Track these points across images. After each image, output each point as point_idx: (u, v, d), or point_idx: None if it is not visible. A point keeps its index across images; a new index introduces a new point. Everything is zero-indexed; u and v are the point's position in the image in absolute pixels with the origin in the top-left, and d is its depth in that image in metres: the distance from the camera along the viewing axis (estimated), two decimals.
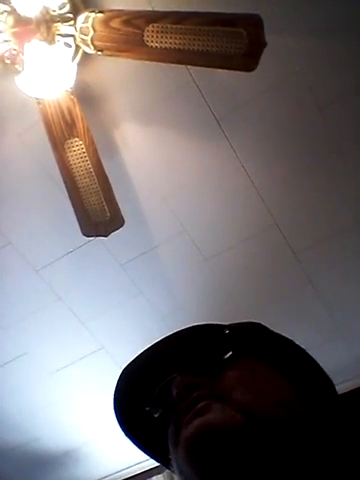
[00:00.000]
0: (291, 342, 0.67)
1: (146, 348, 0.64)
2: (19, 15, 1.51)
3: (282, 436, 0.52)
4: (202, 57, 1.47)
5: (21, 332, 2.35)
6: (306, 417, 0.56)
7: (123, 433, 0.66)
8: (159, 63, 1.57)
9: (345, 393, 2.19)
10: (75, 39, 1.60)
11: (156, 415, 0.62)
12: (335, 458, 0.54)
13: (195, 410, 0.54)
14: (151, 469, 2.87)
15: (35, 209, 2.05)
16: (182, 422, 0.55)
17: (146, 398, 0.63)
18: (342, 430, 0.58)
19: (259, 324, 0.70)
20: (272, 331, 0.68)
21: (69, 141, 1.70)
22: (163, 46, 1.46)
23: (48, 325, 2.34)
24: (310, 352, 0.66)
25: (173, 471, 0.60)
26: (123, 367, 0.65)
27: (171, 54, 1.48)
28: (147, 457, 0.70)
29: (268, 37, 1.40)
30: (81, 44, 1.59)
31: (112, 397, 0.65)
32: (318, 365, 0.65)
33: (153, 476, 2.85)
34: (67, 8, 1.58)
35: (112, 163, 1.89)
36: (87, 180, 1.75)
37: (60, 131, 1.69)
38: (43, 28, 1.55)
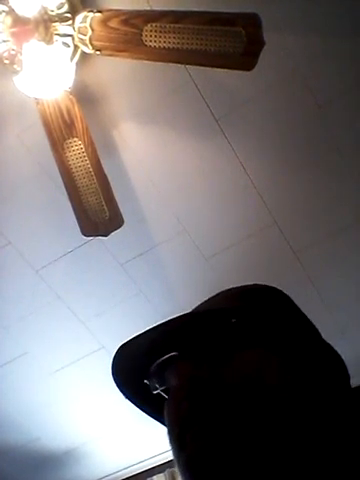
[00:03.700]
0: (305, 320, 0.65)
1: (147, 329, 0.62)
2: (17, 15, 1.51)
3: (282, 442, 0.52)
4: (201, 56, 1.46)
5: (21, 332, 2.35)
6: (311, 416, 0.55)
7: (124, 396, 0.65)
8: (158, 63, 1.57)
9: None
10: (73, 39, 1.60)
11: (154, 392, 0.61)
12: (341, 450, 0.54)
13: (196, 428, 0.53)
14: (152, 468, 2.87)
15: (34, 209, 2.05)
16: (185, 437, 0.54)
17: (144, 371, 0.62)
18: (350, 423, 0.57)
19: (275, 293, 0.68)
20: (286, 305, 0.66)
21: (68, 141, 1.70)
22: (162, 45, 1.46)
23: (48, 325, 2.34)
24: None
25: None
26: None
27: (170, 53, 1.48)
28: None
29: (267, 36, 1.40)
30: (79, 44, 1.59)
31: (110, 366, 0.63)
32: (332, 350, 0.63)
33: (154, 475, 2.85)
34: (65, 8, 1.58)
35: (111, 163, 1.88)
36: (86, 180, 1.75)
37: (59, 131, 1.68)
38: (41, 28, 1.55)
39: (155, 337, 0.61)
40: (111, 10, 1.54)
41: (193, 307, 0.70)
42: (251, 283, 0.70)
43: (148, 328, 0.62)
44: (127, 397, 0.65)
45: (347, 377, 0.62)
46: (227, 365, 0.56)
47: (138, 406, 0.65)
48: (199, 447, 0.52)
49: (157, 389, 0.60)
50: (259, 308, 0.64)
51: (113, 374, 0.63)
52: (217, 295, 0.69)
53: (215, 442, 0.51)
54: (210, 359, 0.57)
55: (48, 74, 1.56)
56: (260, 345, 0.59)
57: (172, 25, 1.44)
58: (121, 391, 0.65)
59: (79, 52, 1.65)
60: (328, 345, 0.64)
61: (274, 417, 0.53)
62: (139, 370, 0.62)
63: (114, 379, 0.64)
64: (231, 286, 0.74)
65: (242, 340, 0.58)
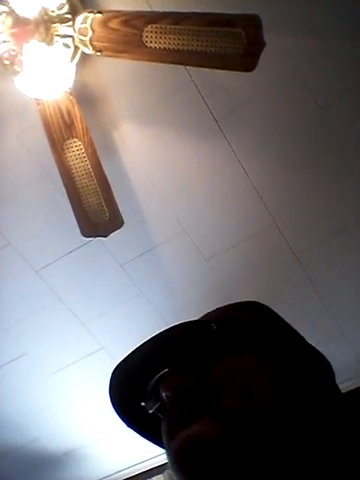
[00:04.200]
0: (288, 328, 0.66)
1: (136, 347, 0.64)
2: (18, 16, 1.51)
3: (272, 440, 0.53)
4: (201, 57, 1.46)
5: (21, 333, 2.35)
6: (300, 416, 0.55)
7: (124, 424, 0.66)
8: (158, 64, 1.57)
9: (346, 392, 2.19)
10: (74, 40, 1.60)
11: (150, 411, 0.62)
12: (334, 457, 0.54)
13: (183, 420, 0.55)
14: (151, 469, 2.87)
15: (35, 210, 2.05)
16: (172, 430, 0.56)
17: (140, 393, 0.63)
18: (342, 427, 0.57)
19: (257, 306, 0.69)
20: (270, 315, 0.68)
21: (68, 142, 1.70)
22: (162, 46, 1.46)
23: (48, 326, 2.34)
24: None
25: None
26: (115, 365, 0.65)
27: (170, 54, 1.48)
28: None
29: (267, 37, 1.40)
30: (80, 45, 1.59)
31: (107, 392, 0.65)
32: (318, 354, 0.64)
33: (153, 476, 2.84)
34: (66, 9, 1.58)
35: (111, 163, 1.89)
36: (86, 180, 1.75)
37: (59, 132, 1.68)
38: (42, 29, 1.55)
39: (144, 360, 0.63)
40: (111, 11, 1.54)
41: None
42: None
43: (133, 350, 0.64)
44: (128, 425, 0.66)
45: (333, 377, 0.63)
46: (210, 370, 0.58)
47: (139, 433, 0.67)
48: (187, 444, 0.53)
49: (152, 408, 0.62)
50: (241, 316, 0.65)
51: (113, 404, 0.65)
52: (204, 316, 0.70)
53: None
54: (196, 367, 0.59)
55: (48, 75, 1.56)
56: (244, 350, 0.60)
57: (172, 26, 1.44)
58: (122, 419, 0.66)
59: (79, 53, 1.66)
60: (312, 347, 0.65)
61: (259, 417, 0.54)
62: (135, 394, 0.64)
63: (114, 409, 0.65)
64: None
65: (225, 345, 0.60)
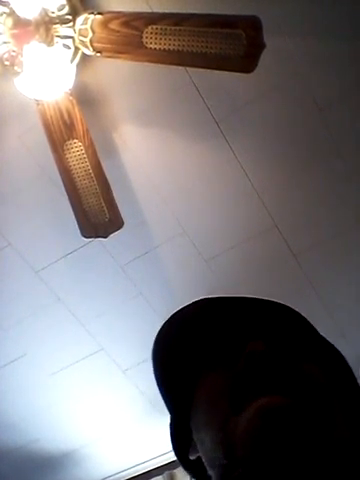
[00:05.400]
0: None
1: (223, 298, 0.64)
2: (18, 17, 1.51)
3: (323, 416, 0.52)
4: (201, 59, 1.47)
5: (20, 333, 2.34)
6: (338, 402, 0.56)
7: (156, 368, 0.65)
8: (158, 65, 1.57)
9: None
10: (74, 41, 1.60)
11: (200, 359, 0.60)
12: None
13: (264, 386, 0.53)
14: (150, 471, 2.87)
15: (35, 210, 2.05)
16: (247, 391, 0.53)
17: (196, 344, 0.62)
18: None
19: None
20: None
21: (68, 142, 1.70)
22: (162, 48, 1.46)
23: (47, 326, 2.34)
24: None
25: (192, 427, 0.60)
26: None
27: (170, 56, 1.48)
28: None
29: (267, 38, 1.41)
30: (80, 46, 1.59)
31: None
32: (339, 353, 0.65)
33: (152, 477, 2.84)
34: (66, 10, 1.58)
35: (111, 164, 1.89)
36: (86, 181, 1.75)
37: (59, 133, 1.69)
38: (42, 30, 1.55)
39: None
40: (112, 12, 1.54)
41: None
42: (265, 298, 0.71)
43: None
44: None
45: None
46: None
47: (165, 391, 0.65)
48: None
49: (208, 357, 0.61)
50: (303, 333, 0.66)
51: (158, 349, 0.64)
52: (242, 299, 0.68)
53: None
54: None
55: (48, 76, 1.57)
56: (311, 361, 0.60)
57: (172, 27, 1.44)
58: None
59: (79, 54, 1.66)
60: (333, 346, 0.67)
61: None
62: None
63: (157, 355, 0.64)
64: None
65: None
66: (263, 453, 0.49)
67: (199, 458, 0.60)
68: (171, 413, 0.65)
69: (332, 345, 0.67)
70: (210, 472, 0.57)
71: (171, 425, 0.65)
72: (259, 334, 0.59)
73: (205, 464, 0.58)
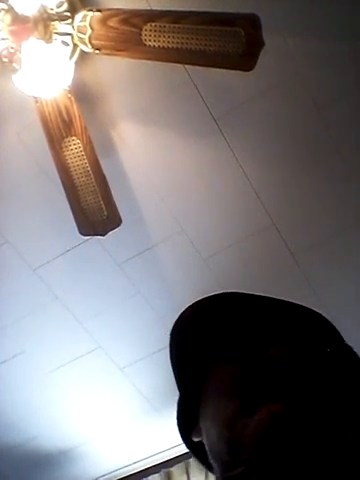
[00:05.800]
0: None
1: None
2: (17, 13, 1.51)
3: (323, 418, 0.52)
4: (200, 56, 1.46)
5: (18, 331, 2.34)
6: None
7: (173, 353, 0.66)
8: (157, 62, 1.56)
9: None
10: (73, 38, 1.60)
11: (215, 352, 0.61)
12: None
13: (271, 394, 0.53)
14: (147, 469, 2.87)
15: (32, 208, 2.05)
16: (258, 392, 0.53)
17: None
18: None
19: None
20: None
21: (66, 140, 1.69)
22: (161, 45, 1.46)
23: (45, 324, 2.33)
24: None
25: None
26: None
27: (169, 53, 1.48)
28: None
29: (266, 37, 1.40)
30: (79, 43, 1.59)
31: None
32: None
33: (149, 475, 2.84)
34: (65, 6, 1.58)
35: (109, 162, 1.88)
36: (84, 179, 1.74)
37: (57, 130, 1.68)
38: (41, 26, 1.54)
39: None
40: (111, 9, 1.54)
41: None
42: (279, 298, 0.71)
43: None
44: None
45: None
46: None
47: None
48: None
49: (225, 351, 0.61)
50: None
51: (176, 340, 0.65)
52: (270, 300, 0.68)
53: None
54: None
55: (47, 73, 1.56)
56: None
57: (171, 25, 1.44)
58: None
59: (78, 51, 1.65)
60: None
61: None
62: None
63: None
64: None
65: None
66: (269, 461, 0.50)
67: (202, 442, 0.61)
68: (180, 393, 0.66)
69: (355, 353, 0.68)
70: (211, 461, 0.58)
71: (179, 404, 0.66)
72: (281, 338, 0.60)
73: (207, 452, 0.58)
